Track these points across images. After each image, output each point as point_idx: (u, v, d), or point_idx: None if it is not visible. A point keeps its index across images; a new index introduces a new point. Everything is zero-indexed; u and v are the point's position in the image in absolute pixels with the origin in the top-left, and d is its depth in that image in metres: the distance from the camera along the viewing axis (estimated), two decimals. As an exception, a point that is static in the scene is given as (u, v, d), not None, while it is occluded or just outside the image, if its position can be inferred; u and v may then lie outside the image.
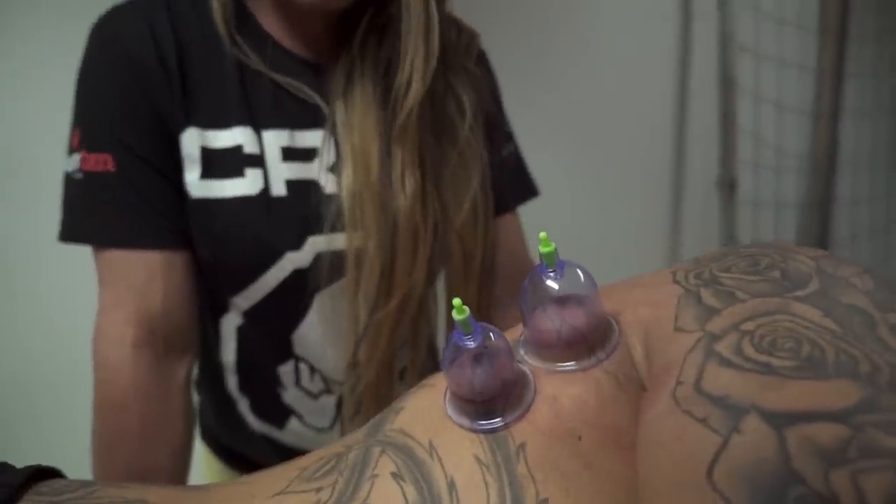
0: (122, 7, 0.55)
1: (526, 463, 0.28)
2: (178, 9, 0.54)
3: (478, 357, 0.29)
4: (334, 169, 0.54)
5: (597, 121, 1.38)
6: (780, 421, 0.22)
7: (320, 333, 0.57)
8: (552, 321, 0.31)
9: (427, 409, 0.32)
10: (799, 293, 0.28)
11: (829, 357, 0.24)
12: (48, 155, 0.94)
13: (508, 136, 0.67)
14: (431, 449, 0.31)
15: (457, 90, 0.56)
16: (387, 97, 0.54)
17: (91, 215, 0.52)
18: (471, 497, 0.28)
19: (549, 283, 0.31)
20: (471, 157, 0.57)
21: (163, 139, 0.52)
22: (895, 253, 1.91)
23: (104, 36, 0.53)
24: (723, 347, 0.26)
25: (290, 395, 0.61)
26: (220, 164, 0.52)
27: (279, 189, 0.53)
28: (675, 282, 0.32)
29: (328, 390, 0.61)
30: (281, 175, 0.54)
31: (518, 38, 1.27)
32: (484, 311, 0.62)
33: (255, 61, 0.54)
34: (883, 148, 1.83)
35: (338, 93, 0.54)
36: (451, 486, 0.29)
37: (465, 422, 0.30)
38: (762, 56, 1.49)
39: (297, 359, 0.59)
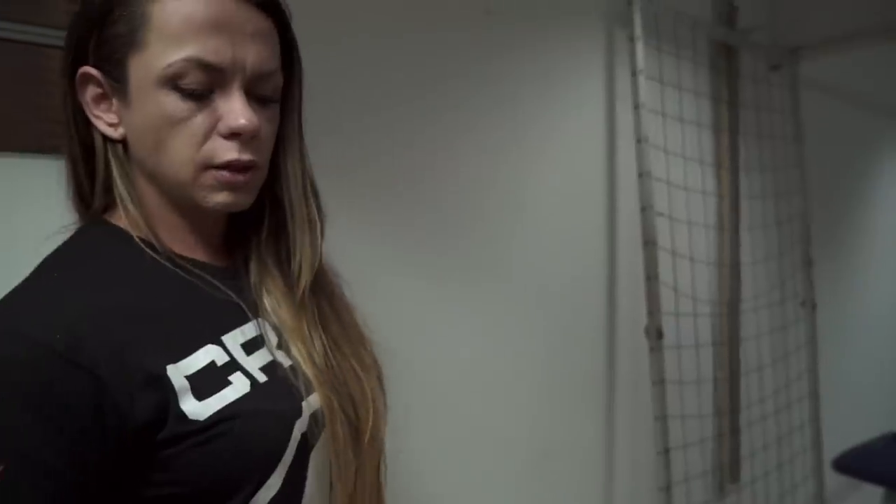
0: (30, 341, 0.49)
1: None
2: (95, 270, 0.55)
3: None
4: (281, 346, 0.62)
5: (540, 281, 1.55)
6: None
7: (316, 488, 0.62)
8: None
9: None
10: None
11: None
12: None
13: None
14: None
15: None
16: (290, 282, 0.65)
17: None
18: None
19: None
20: (355, 322, 0.69)
21: (81, 438, 0.50)
22: (795, 379, 2.15)
23: (17, 359, 0.49)
24: None
25: None
26: (207, 383, 0.55)
27: (260, 377, 0.58)
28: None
29: None
30: (254, 366, 0.59)
31: (467, 211, 1.44)
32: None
33: (186, 279, 0.58)
34: (775, 288, 2.11)
35: (258, 286, 0.63)
36: None
37: None
38: (675, 219, 1.74)
39: None
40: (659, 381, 1.62)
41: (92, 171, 0.60)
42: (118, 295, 0.54)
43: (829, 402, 2.17)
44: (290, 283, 0.63)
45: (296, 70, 0.63)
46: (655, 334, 1.62)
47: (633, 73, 1.63)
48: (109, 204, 0.60)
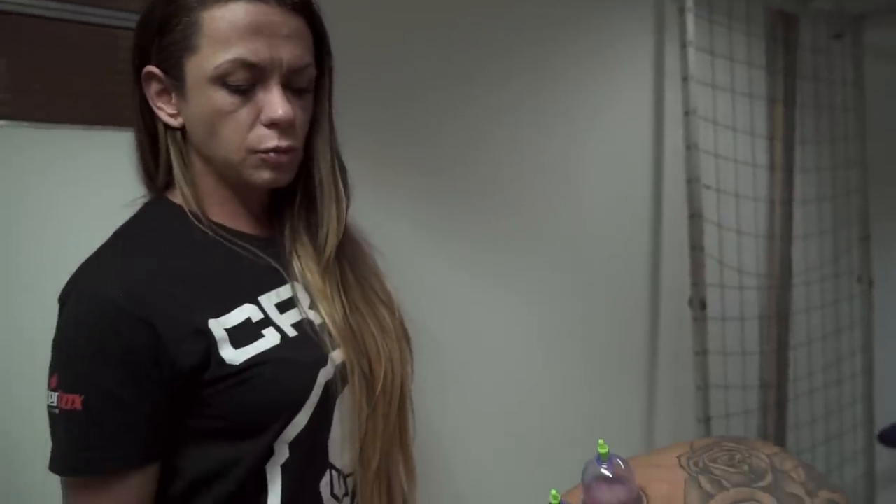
0: (99, 281, 0.61)
1: None
2: (155, 240, 0.66)
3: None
4: (312, 307, 0.70)
5: (587, 254, 1.59)
6: None
7: (340, 433, 0.71)
8: (605, 496, 0.47)
9: None
10: (760, 484, 0.45)
11: (778, 532, 0.41)
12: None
13: None
14: None
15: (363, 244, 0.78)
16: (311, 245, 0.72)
17: (66, 448, 0.60)
18: None
19: (604, 471, 0.47)
20: (384, 288, 0.78)
21: (143, 376, 0.60)
22: (848, 355, 2.12)
23: (90, 312, 0.60)
24: (718, 526, 0.43)
25: None
26: (242, 335, 0.64)
27: (291, 332, 0.67)
28: (681, 466, 0.49)
29: (346, 492, 0.72)
30: (286, 322, 0.67)
31: (518, 183, 1.49)
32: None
33: (231, 248, 0.67)
34: (828, 262, 2.08)
35: (291, 253, 0.71)
36: None
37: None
38: (722, 191, 1.74)
39: (331, 468, 0.71)
40: (701, 352, 1.65)
41: (156, 153, 0.70)
42: (172, 261, 0.65)
43: (882, 379, 2.13)
44: (318, 250, 0.73)
45: (325, 62, 0.71)
46: (699, 305, 1.64)
47: (683, 45, 1.63)
48: (170, 181, 0.70)
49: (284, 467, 0.66)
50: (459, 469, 1.38)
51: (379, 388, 0.71)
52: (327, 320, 0.70)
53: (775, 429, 1.98)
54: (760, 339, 1.92)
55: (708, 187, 1.68)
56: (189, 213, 0.68)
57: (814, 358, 2.03)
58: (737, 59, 1.80)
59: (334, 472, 0.71)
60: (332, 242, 0.72)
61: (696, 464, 0.48)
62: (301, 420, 0.66)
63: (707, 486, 0.46)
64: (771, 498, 0.44)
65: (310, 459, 0.69)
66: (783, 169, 1.96)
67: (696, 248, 1.64)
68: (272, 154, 0.65)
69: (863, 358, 2.13)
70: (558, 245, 1.56)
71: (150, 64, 0.66)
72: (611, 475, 0.47)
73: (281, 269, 0.70)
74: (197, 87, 0.64)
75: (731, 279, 1.75)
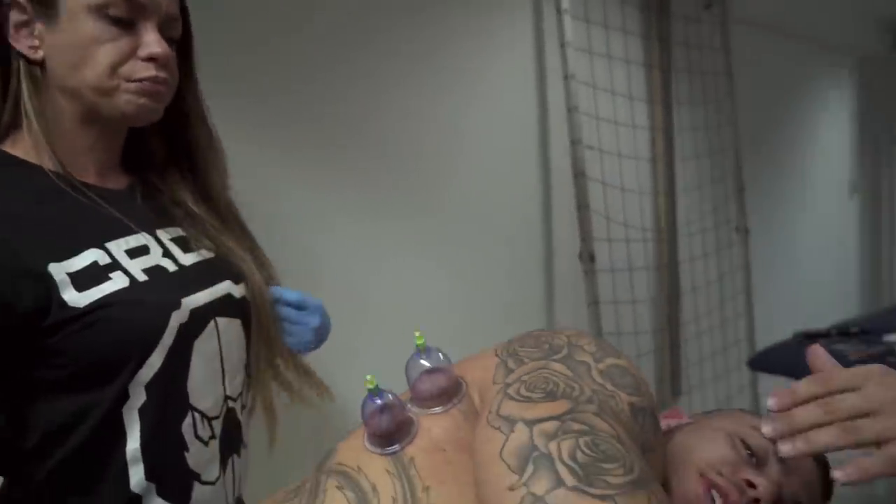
0: None
1: (415, 468, 0.49)
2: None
3: (382, 409, 0.50)
4: (167, 255, 0.72)
5: (482, 214, 1.67)
6: (531, 424, 0.45)
7: (204, 372, 0.72)
8: (426, 385, 0.53)
9: (353, 446, 0.53)
10: (555, 357, 0.52)
11: (559, 389, 0.48)
12: None
13: None
14: (359, 469, 0.51)
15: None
16: (193, 196, 0.77)
17: None
18: (385, 493, 0.49)
19: (422, 361, 0.53)
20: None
21: None
22: (729, 299, 2.31)
23: None
24: (511, 390, 0.49)
25: (192, 454, 0.70)
26: (87, 278, 0.64)
27: (141, 277, 0.67)
28: (496, 355, 0.55)
29: (213, 435, 0.73)
30: (136, 267, 0.68)
31: (410, 151, 1.54)
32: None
33: (81, 198, 0.69)
34: (709, 214, 2.25)
35: (170, 203, 0.76)
36: (374, 488, 0.50)
37: (377, 450, 0.51)
38: (605, 151, 1.85)
39: (193, 410, 0.71)
40: (593, 303, 1.76)
41: (5, 88, 0.68)
42: (5, 207, 0.64)
43: (761, 318, 2.33)
44: (203, 196, 0.78)
45: (187, 21, 0.75)
46: (588, 258, 1.75)
47: (559, 12, 1.72)
48: (12, 124, 0.68)
49: (142, 411, 0.67)
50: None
51: (256, 320, 0.77)
52: (227, 254, 0.74)
53: (670, 370, 2.13)
54: (648, 288, 2.07)
55: (590, 148, 1.79)
56: (33, 159, 0.67)
57: (700, 303, 2.19)
58: (612, 26, 1.91)
59: (197, 414, 0.72)
60: (219, 186, 0.78)
61: (507, 351, 0.55)
62: (155, 361, 0.67)
63: (511, 365, 0.52)
64: (562, 366, 0.51)
65: (168, 402, 0.69)
66: (663, 129, 2.10)
67: (583, 205, 1.75)
68: (147, 83, 0.68)
69: (744, 300, 2.32)
70: (455, 208, 1.62)
71: None
72: (430, 365, 0.53)
73: (128, 220, 0.71)
74: (73, 14, 0.65)
75: (617, 233, 1.88)
